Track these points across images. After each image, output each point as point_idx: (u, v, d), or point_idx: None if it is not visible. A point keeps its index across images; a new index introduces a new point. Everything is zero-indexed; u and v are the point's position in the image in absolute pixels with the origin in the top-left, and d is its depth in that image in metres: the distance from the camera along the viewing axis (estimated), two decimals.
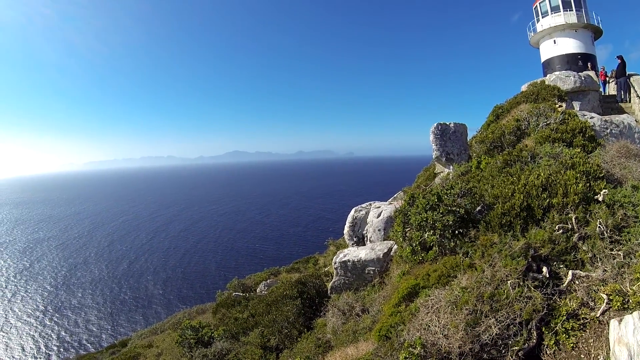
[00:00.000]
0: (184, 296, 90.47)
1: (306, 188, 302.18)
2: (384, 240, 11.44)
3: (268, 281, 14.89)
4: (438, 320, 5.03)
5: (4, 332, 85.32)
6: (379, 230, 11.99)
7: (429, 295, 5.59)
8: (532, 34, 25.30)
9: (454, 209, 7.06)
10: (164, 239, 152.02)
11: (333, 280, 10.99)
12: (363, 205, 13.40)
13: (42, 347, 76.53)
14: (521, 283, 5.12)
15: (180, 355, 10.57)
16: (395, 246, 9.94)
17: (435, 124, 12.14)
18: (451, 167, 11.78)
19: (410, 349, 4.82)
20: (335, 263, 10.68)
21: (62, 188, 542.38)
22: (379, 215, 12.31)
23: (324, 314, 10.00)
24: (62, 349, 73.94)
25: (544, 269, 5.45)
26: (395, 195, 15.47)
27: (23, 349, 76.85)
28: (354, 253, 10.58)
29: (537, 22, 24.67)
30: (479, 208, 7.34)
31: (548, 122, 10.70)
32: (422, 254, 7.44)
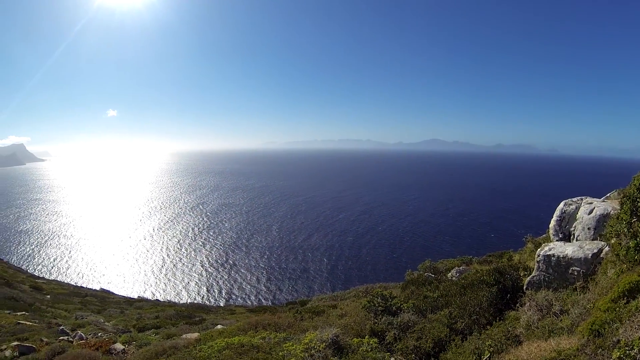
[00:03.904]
0: (364, 273, 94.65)
1: (502, 184, 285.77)
2: (593, 240, 10.32)
3: (460, 268, 14.68)
4: None
5: (195, 273, 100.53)
6: (588, 228, 10.80)
7: None
8: None
9: None
10: (346, 217, 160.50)
11: (532, 275, 10.35)
12: (573, 199, 12.16)
13: (224, 292, 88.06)
14: None
15: (365, 319, 11.10)
16: (607, 248, 8.92)
17: None
18: None
19: (627, 348, 4.37)
20: (538, 256, 10.02)
21: (259, 163, 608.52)
22: (590, 212, 11.07)
23: (518, 308, 9.55)
24: (239, 299, 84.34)
25: None
26: (608, 195, 13.71)
27: (208, 290, 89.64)
28: (559, 248, 9.77)
29: None
30: None
31: None
32: None
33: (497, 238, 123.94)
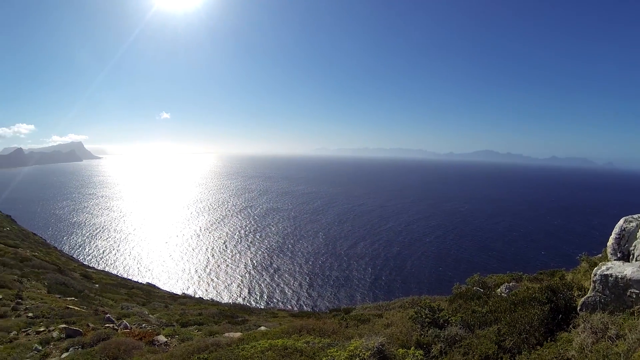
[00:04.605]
0: (408, 285, 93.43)
1: (555, 199, 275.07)
2: None
3: (510, 284, 14.35)
4: None
5: (238, 275, 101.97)
6: None
7: None
8: None
9: None
10: (393, 227, 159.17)
11: (587, 295, 9.98)
12: (634, 216, 11.59)
13: (265, 295, 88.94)
14: None
15: (412, 330, 11.04)
16: None
17: None
18: None
19: None
20: (594, 275, 9.66)
21: (310, 169, 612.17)
22: None
23: (570, 329, 9.25)
24: (280, 303, 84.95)
25: None
26: None
27: (249, 293, 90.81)
28: (618, 268, 9.39)
29: None
30: None
31: None
32: None
33: (548, 256, 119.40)
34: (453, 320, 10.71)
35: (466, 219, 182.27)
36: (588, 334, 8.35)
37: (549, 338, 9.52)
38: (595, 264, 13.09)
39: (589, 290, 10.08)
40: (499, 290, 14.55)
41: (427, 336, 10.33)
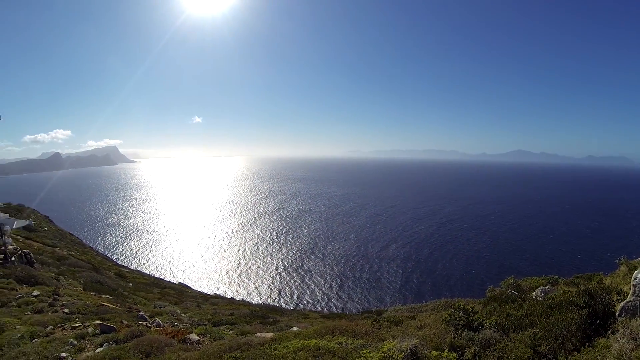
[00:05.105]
0: (438, 288, 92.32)
1: (592, 200, 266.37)
2: None
3: (546, 287, 14.10)
4: None
5: (269, 276, 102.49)
6: None
7: None
8: None
9: None
10: (424, 229, 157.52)
11: (626, 300, 9.77)
12: None
13: (295, 296, 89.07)
14: None
15: (445, 333, 11.00)
16: None
17: None
18: None
19: None
20: (635, 279, 9.46)
21: (342, 171, 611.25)
22: None
23: (609, 335, 9.07)
24: (310, 304, 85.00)
25: None
26: None
27: (279, 294, 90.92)
28: None
29: None
30: None
31: None
32: None
33: (584, 260, 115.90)
34: (487, 324, 10.63)
35: (498, 221, 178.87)
36: (627, 340, 8.16)
37: (587, 344, 9.33)
38: (635, 268, 12.75)
39: (628, 294, 9.84)
40: (534, 293, 14.31)
41: (460, 339, 10.28)
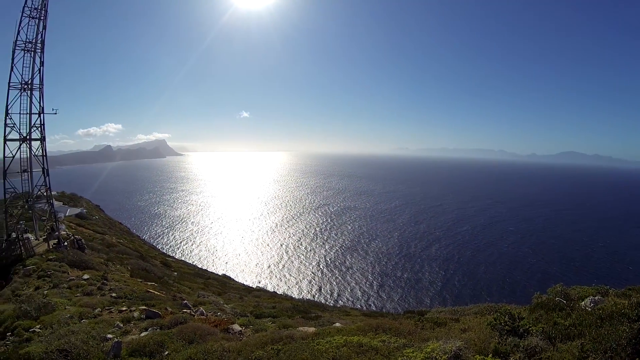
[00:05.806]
0: (477, 292, 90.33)
1: None
2: None
3: (596, 298, 13.70)
4: None
5: (310, 271, 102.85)
6: None
7: None
8: None
9: None
10: (468, 230, 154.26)
11: None
12: None
13: (335, 293, 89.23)
14: None
15: (490, 337, 10.90)
16: None
17: None
18: None
19: None
20: None
21: (389, 169, 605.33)
22: None
23: None
24: (349, 302, 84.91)
25: None
26: None
27: (319, 290, 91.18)
28: None
29: None
30: None
31: None
32: None
33: (636, 272, 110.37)
34: (533, 331, 10.49)
35: (545, 225, 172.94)
36: None
37: (637, 359, 9.11)
38: None
39: None
40: (583, 303, 13.92)
41: (505, 345, 10.18)
